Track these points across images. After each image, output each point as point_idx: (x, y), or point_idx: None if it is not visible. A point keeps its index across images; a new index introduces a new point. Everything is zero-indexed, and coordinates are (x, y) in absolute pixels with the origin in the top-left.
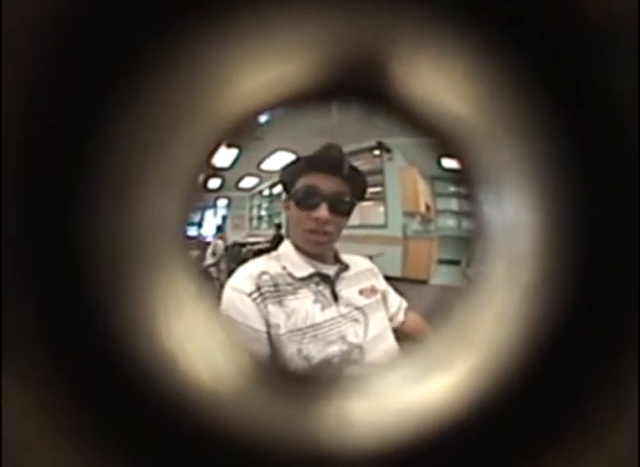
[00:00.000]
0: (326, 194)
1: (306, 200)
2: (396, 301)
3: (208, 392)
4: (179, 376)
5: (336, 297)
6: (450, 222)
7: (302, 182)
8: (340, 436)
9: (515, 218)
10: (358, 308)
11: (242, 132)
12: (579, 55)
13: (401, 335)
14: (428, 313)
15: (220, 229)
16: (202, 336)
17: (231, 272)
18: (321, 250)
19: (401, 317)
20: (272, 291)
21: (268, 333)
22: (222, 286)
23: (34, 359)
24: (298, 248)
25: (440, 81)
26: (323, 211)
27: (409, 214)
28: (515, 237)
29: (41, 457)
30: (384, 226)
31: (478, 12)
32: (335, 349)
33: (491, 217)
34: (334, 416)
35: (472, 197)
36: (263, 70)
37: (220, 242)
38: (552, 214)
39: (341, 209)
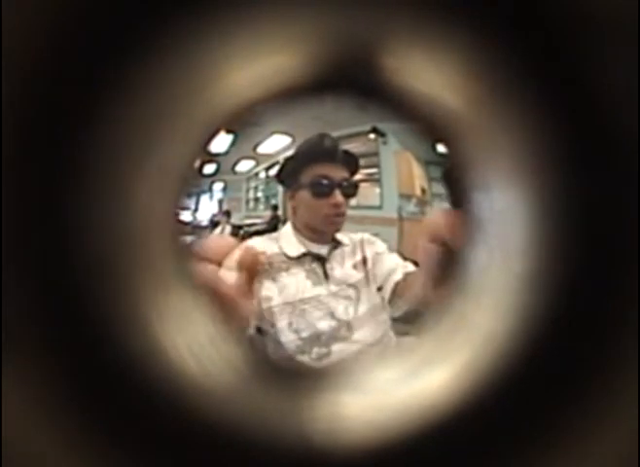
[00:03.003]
0: (336, 181)
1: (322, 189)
2: (392, 261)
3: (198, 386)
4: (169, 369)
5: (327, 275)
6: (446, 206)
7: (309, 174)
8: (333, 432)
9: (505, 206)
10: (350, 285)
11: (238, 121)
12: (575, 52)
13: (395, 296)
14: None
15: (228, 214)
16: (193, 328)
17: None
18: (338, 228)
19: (396, 277)
20: (267, 269)
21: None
22: None
23: (32, 357)
24: (297, 230)
25: (433, 74)
26: (339, 197)
27: (405, 196)
28: (507, 226)
29: (41, 455)
30: (380, 207)
31: (471, 6)
32: (323, 325)
33: (482, 204)
34: (327, 412)
35: (462, 183)
36: (255, 63)
37: (228, 226)
38: (545, 204)
39: (350, 192)
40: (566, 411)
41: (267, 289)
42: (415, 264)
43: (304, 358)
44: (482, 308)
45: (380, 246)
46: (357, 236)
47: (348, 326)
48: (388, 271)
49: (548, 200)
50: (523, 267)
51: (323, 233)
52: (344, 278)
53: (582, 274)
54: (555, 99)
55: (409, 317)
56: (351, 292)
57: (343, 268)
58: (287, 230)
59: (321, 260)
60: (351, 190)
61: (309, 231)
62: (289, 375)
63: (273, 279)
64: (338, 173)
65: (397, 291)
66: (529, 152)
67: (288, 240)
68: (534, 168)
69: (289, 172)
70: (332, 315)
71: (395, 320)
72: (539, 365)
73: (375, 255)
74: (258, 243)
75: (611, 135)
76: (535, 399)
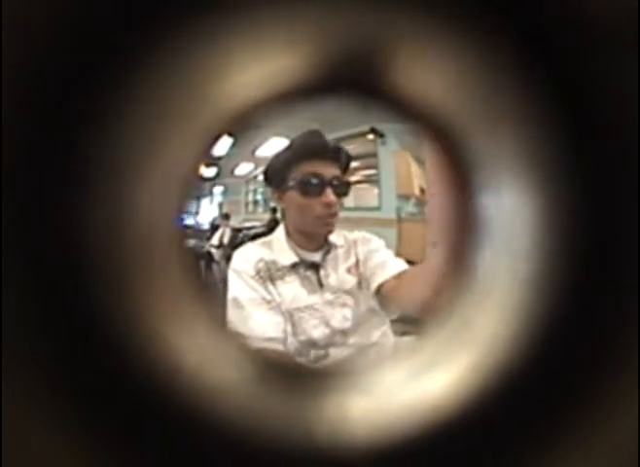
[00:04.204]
0: (327, 179)
1: (311, 188)
2: (379, 258)
3: (204, 387)
4: (172, 370)
5: (321, 284)
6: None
7: (299, 172)
8: (338, 433)
9: (513, 209)
10: (346, 292)
11: (240, 124)
12: (575, 52)
13: (382, 299)
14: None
15: (227, 216)
16: (196, 330)
17: (228, 257)
18: (331, 230)
19: (381, 278)
20: (266, 276)
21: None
22: (221, 270)
23: (33, 357)
24: (289, 236)
25: (435, 76)
26: (330, 196)
27: (404, 197)
28: (514, 229)
29: (41, 455)
30: (378, 208)
31: (474, 9)
32: (318, 333)
33: (488, 207)
34: (331, 414)
35: (466, 185)
36: (258, 65)
37: (228, 230)
38: (549, 205)
39: (342, 190)
40: (568, 412)
41: (268, 293)
42: (411, 263)
43: (302, 360)
44: (486, 310)
45: (375, 243)
46: (352, 236)
47: (343, 333)
48: (372, 270)
49: (551, 202)
50: (528, 269)
51: (315, 235)
52: (339, 285)
53: (584, 277)
54: (557, 99)
55: (409, 318)
56: (347, 299)
57: (338, 273)
58: (279, 235)
59: (315, 267)
60: (343, 188)
61: (301, 235)
62: (293, 376)
63: (273, 286)
64: (329, 170)
65: (384, 292)
66: (532, 152)
67: (280, 247)
68: (538, 169)
69: (276, 171)
70: (327, 324)
71: (394, 320)
72: (542, 367)
73: (368, 253)
74: (252, 250)
75: (614, 136)
76: (537, 401)
